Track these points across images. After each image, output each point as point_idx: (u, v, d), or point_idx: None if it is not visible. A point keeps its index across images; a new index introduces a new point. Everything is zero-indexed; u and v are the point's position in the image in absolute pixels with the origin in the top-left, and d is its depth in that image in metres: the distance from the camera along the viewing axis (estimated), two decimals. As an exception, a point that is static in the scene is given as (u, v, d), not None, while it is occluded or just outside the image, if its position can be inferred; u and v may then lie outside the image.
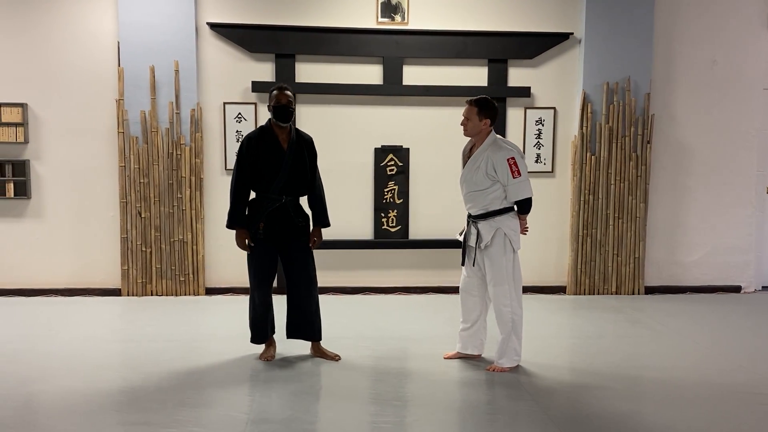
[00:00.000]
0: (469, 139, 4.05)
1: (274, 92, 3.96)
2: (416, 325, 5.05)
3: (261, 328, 4.15)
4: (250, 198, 4.05)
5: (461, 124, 3.97)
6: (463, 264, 4.11)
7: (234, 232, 4.02)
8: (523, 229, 4.03)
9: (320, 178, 4.18)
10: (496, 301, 3.94)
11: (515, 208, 3.95)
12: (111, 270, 5.92)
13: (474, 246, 3.97)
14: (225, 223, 4.03)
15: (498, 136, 3.98)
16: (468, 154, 4.02)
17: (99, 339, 4.59)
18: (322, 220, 4.16)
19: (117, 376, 3.87)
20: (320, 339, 4.21)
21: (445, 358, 4.21)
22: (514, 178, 3.82)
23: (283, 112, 3.94)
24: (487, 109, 3.88)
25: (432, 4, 5.94)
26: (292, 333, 4.20)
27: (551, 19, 6.05)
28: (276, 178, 3.95)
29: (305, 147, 4.08)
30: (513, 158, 3.82)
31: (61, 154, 5.81)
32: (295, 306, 4.14)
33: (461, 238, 4.13)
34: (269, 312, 4.16)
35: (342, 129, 6.01)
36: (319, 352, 4.19)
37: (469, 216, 4.03)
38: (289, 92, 3.96)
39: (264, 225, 3.96)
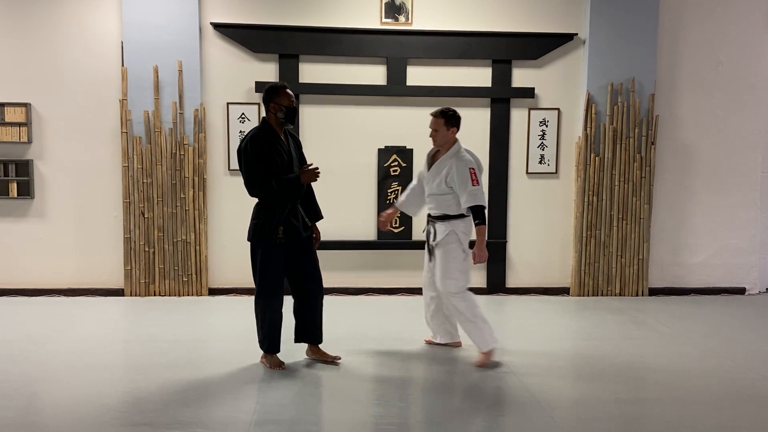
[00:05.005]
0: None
1: (283, 91, 3.85)
2: (419, 326, 5.02)
3: (278, 337, 4.00)
4: (259, 203, 3.90)
5: (430, 136, 4.20)
6: (430, 261, 4.32)
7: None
8: (479, 258, 4.08)
9: None
10: (445, 294, 4.16)
11: (470, 215, 4.13)
12: (114, 270, 5.92)
13: (431, 244, 4.23)
14: (294, 191, 3.87)
15: (462, 146, 4.19)
16: (431, 159, 4.26)
17: (102, 339, 4.58)
18: (318, 213, 4.12)
19: (120, 377, 3.88)
20: (322, 341, 4.17)
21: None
22: (472, 185, 4.04)
23: (296, 113, 3.93)
24: (453, 119, 4.14)
25: (436, 4, 5.93)
26: (301, 337, 4.11)
27: (555, 20, 6.03)
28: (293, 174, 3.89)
29: (297, 141, 4.09)
30: (473, 168, 4.08)
31: (64, 154, 5.82)
32: (307, 308, 4.04)
33: (424, 238, 4.38)
34: (281, 319, 4.01)
35: (345, 129, 6.00)
36: (319, 355, 4.13)
37: (429, 215, 4.29)
38: None
39: (283, 228, 3.84)
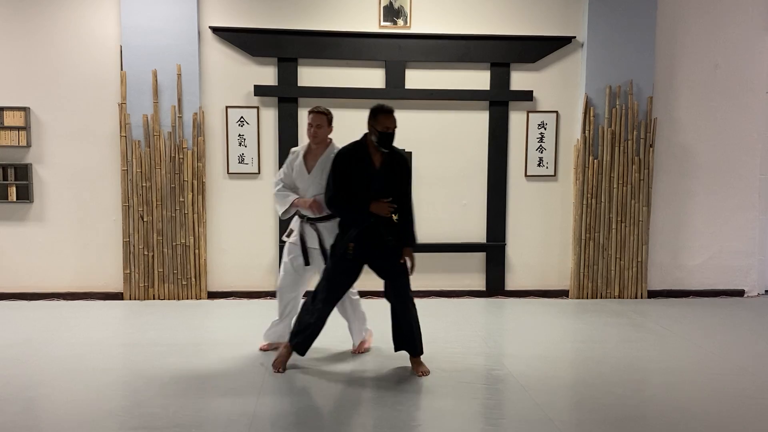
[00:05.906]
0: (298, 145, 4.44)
1: (383, 115, 3.80)
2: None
3: (307, 341, 3.98)
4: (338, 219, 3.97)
5: (312, 132, 4.17)
6: (307, 264, 4.21)
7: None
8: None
9: (411, 196, 4.00)
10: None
11: None
12: (113, 274, 5.92)
13: (318, 247, 4.15)
14: (357, 215, 3.85)
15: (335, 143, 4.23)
16: (304, 159, 4.21)
17: (101, 343, 4.58)
18: (408, 239, 3.96)
19: (119, 381, 3.87)
20: (421, 354, 4.04)
21: (260, 349, 4.35)
22: None
23: (390, 139, 3.85)
24: (331, 118, 4.23)
25: (434, 7, 5.94)
26: (398, 345, 4.10)
27: (553, 23, 6.05)
28: (366, 198, 3.83)
29: (398, 166, 3.94)
30: None
31: (63, 157, 5.82)
32: (396, 321, 4.04)
33: (293, 240, 4.25)
34: (322, 328, 4.00)
35: (344, 133, 5.95)
36: (414, 368, 4.03)
37: (306, 218, 4.20)
38: (395, 116, 3.86)
39: (354, 245, 3.84)
